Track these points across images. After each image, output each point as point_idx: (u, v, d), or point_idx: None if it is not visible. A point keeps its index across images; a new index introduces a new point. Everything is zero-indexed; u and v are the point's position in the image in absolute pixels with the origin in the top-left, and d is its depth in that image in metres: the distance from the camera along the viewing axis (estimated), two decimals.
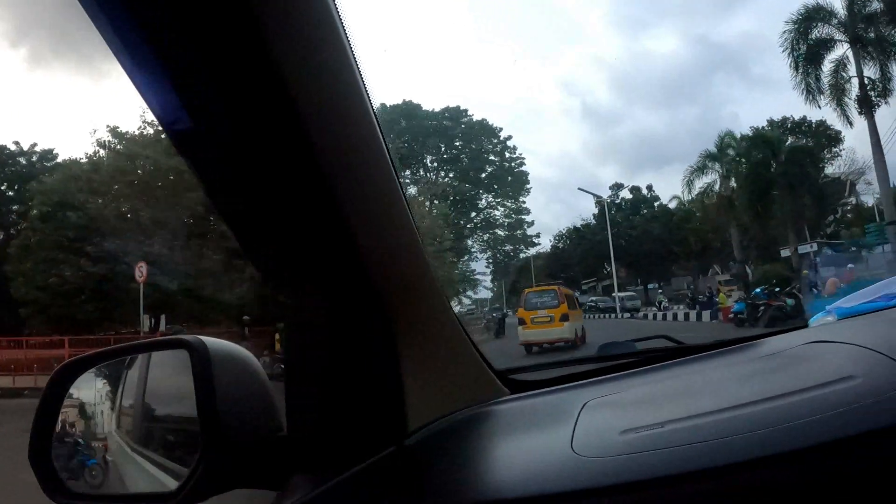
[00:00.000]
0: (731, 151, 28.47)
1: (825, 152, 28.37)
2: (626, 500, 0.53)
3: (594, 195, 42.64)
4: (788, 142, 27.60)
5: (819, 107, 22.62)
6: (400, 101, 45.11)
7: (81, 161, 21.07)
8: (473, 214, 47.73)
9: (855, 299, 1.44)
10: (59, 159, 23.72)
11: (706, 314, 19.61)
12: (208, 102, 0.54)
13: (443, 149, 46.85)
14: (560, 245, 46.00)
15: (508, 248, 48.48)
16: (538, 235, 47.81)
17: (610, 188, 44.58)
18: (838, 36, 22.30)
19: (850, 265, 15.99)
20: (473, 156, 46.91)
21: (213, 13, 0.48)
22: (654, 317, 25.10)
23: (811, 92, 22.38)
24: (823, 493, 0.50)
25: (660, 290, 34.74)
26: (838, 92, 22.09)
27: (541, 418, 0.82)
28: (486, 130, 46.87)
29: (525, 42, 72.62)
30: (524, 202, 47.59)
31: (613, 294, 32.93)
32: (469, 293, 43.36)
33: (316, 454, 0.70)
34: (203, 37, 0.49)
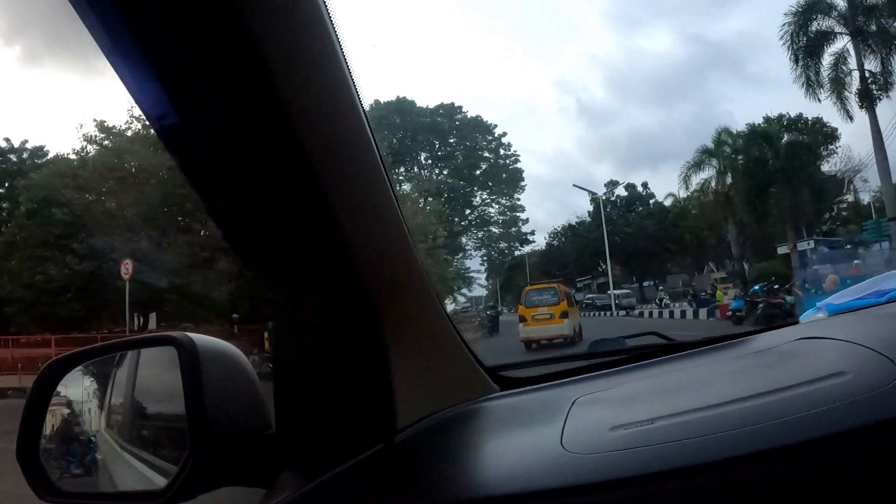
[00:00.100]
0: (727, 149, 28.53)
1: (821, 150, 28.50)
2: (616, 497, 0.53)
3: (589, 192, 42.78)
4: (784, 139, 27.67)
5: (819, 100, 22.51)
6: (394, 98, 44.97)
7: (69, 157, 20.94)
8: (468, 212, 47.74)
9: (845, 296, 1.47)
10: (50, 156, 23.62)
11: (703, 312, 19.64)
12: (196, 99, 0.54)
13: (437, 145, 46.79)
14: (555, 243, 46.09)
15: (503, 245, 48.55)
16: (533, 233, 47.94)
17: (605, 185, 44.74)
18: (838, 28, 22.19)
19: (856, 261, 16.15)
20: (468, 153, 46.89)
21: (201, 8, 0.48)
22: (651, 314, 25.18)
23: (811, 85, 22.29)
24: (814, 488, 0.50)
25: (660, 288, 34.75)
26: (838, 85, 21.98)
27: (531, 415, 0.83)
28: (480, 127, 46.85)
29: (520, 40, 72.89)
30: (519, 199, 47.66)
31: (608, 292, 33.04)
32: (464, 291, 43.39)
33: (305, 451, 0.71)
34: (190, 31, 0.49)
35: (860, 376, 0.59)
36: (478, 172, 47.07)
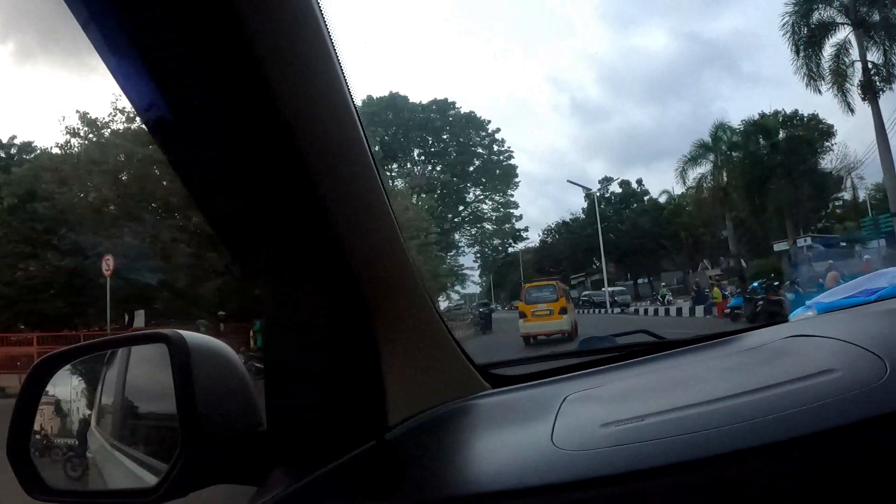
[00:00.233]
0: (723, 147, 28.56)
1: (817, 146, 28.63)
2: (607, 493, 0.54)
3: (583, 187, 42.89)
4: (781, 135, 27.76)
5: (820, 92, 22.56)
6: (386, 94, 44.81)
7: (53, 151, 20.73)
8: (461, 208, 47.77)
9: (835, 294, 1.49)
10: (39, 151, 23.40)
11: (699, 309, 19.62)
12: (189, 97, 0.54)
13: (430, 141, 46.73)
14: (548, 239, 46.16)
15: (496, 242, 48.61)
16: (526, 229, 48.07)
17: (599, 182, 44.90)
18: (840, 19, 22.14)
19: (866, 257, 16.21)
20: (461, 149, 46.86)
21: (194, 6, 0.48)
22: (646, 312, 25.21)
23: (812, 77, 22.29)
24: (803, 485, 0.51)
25: (663, 284, 34.68)
26: (840, 77, 21.96)
27: (522, 412, 0.83)
28: (473, 123, 46.83)
29: (514, 37, 72.96)
30: (512, 196, 47.77)
31: (603, 289, 33.14)
32: (457, 288, 43.39)
33: (296, 449, 0.71)
34: (183, 30, 0.50)
35: (849, 374, 0.60)
36: (471, 169, 47.09)
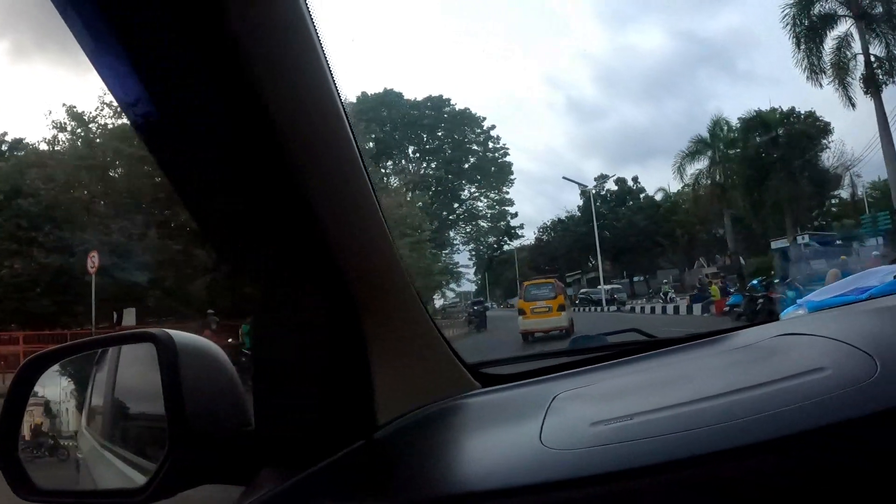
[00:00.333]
0: (720, 145, 28.56)
1: (815, 142, 28.71)
2: (594, 492, 0.54)
3: (579, 184, 42.98)
4: (780, 130, 27.79)
5: (821, 86, 22.44)
6: (381, 90, 44.66)
7: (40, 147, 20.57)
8: (456, 205, 47.71)
9: (826, 293, 1.51)
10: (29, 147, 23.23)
11: (697, 307, 19.57)
12: (174, 94, 0.55)
13: (425, 138, 46.64)
14: (544, 237, 46.20)
15: (492, 239, 48.63)
16: (522, 227, 48.07)
17: (595, 179, 44.94)
18: (841, 11, 21.99)
19: (875, 252, 16.22)
20: (456, 146, 46.81)
21: (180, 5, 0.49)
22: (643, 310, 25.20)
23: (814, 71, 22.14)
24: (792, 483, 0.51)
25: (665, 281, 34.53)
26: (841, 71, 21.81)
27: (511, 411, 0.83)
28: (469, 120, 46.78)
29: (509, 36, 72.96)
30: (507, 193, 47.77)
31: (599, 287, 33.21)
32: (453, 286, 43.38)
33: (284, 448, 0.72)
34: (170, 28, 0.50)
35: (839, 372, 0.60)
36: (466, 166, 47.05)
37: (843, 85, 21.96)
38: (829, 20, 22.12)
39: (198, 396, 0.69)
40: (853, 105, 22.21)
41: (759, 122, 27.09)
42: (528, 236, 48.08)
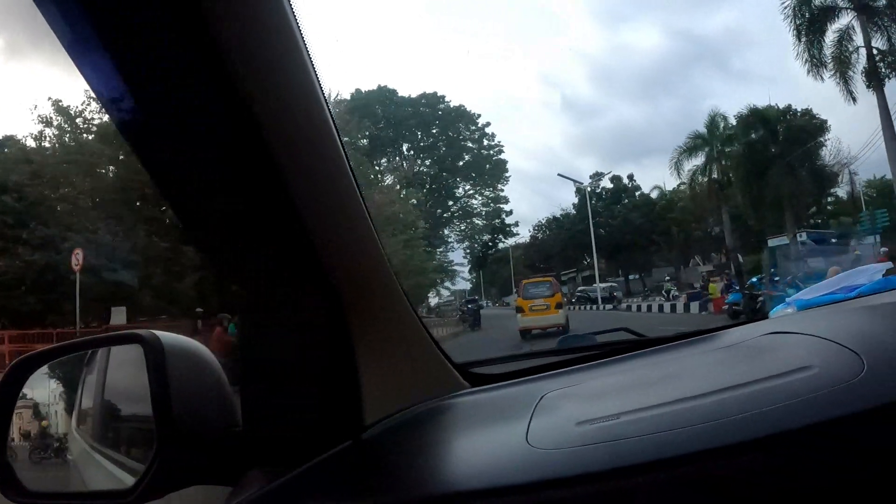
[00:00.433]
0: (717, 143, 28.56)
1: (811, 139, 28.80)
2: (579, 492, 0.54)
3: (574, 181, 43.05)
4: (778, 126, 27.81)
5: (822, 79, 22.35)
6: (375, 87, 44.52)
7: (27, 143, 20.38)
8: (451, 203, 47.68)
9: (815, 291, 1.53)
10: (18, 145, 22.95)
11: (695, 306, 19.67)
12: (157, 95, 0.55)
13: (419, 136, 46.58)
14: (539, 235, 46.25)
15: (486, 237, 48.64)
16: (517, 224, 48.14)
17: (590, 177, 45.01)
18: (843, 3, 21.90)
19: (883, 249, 16.26)
20: (451, 143, 46.77)
21: (164, 7, 0.49)
22: (639, 308, 25.27)
23: (815, 64, 22.05)
24: (780, 481, 0.51)
25: (667, 278, 34.39)
26: (842, 64, 21.70)
27: (499, 411, 0.84)
28: (463, 117, 46.75)
29: (505, 35, 72.93)
30: (502, 191, 47.80)
31: (594, 285, 33.27)
32: (447, 284, 43.35)
33: (272, 449, 0.73)
34: (154, 29, 0.51)
35: (827, 371, 0.61)
36: (461, 163, 47.03)
37: (845, 79, 21.91)
38: (831, 12, 22.03)
39: (185, 397, 0.69)
40: (854, 99, 22.16)
41: (757, 118, 27.11)
42: (524, 234, 48.21)
